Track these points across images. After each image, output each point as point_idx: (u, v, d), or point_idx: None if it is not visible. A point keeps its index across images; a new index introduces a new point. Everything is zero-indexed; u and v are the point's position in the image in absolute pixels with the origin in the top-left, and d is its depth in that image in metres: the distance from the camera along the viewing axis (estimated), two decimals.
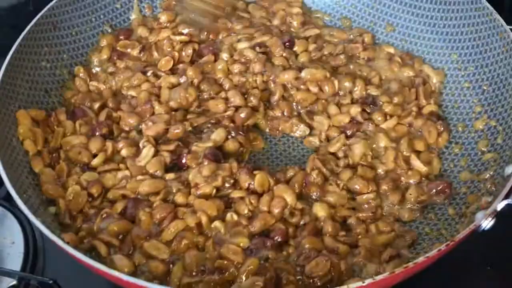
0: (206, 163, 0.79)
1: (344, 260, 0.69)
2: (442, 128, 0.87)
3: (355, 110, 0.88)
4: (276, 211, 0.74)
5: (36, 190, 0.77)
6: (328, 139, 0.87)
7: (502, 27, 0.86)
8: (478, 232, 0.66)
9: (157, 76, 0.94)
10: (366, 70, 0.95)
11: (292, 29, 1.03)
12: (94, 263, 0.61)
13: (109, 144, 0.83)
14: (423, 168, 0.82)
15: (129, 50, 1.00)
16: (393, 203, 0.78)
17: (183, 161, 0.81)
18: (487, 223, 0.65)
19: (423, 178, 0.82)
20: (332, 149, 0.85)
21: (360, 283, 0.58)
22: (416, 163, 0.82)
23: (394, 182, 0.80)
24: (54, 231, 0.66)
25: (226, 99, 0.90)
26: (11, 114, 0.82)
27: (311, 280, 0.67)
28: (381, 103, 0.89)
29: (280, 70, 0.93)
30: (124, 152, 0.82)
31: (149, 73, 0.95)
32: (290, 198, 0.75)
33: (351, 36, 1.03)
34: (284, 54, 0.96)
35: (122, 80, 0.94)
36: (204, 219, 0.72)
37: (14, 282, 0.75)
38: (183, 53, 0.97)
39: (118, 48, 1.00)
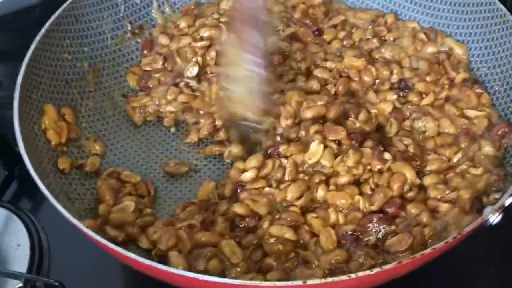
0: (351, 151, 0.78)
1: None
2: (481, 90, 0.89)
3: (391, 97, 0.90)
4: (395, 186, 0.76)
5: (56, 176, 0.79)
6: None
7: None
8: (485, 226, 0.67)
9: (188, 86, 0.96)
10: (396, 52, 0.96)
11: (316, 21, 1.04)
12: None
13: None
14: (483, 113, 0.84)
15: (154, 65, 1.01)
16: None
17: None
18: (494, 218, 0.67)
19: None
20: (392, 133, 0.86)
21: (368, 272, 0.59)
22: (473, 112, 0.85)
23: (468, 135, 0.83)
24: (76, 217, 0.68)
25: None
26: (33, 103, 0.85)
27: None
28: (413, 84, 0.91)
29: (321, 58, 0.95)
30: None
31: (181, 84, 0.97)
32: (409, 174, 0.78)
33: (374, 15, 1.04)
34: (317, 42, 0.98)
35: (158, 98, 0.96)
36: (333, 218, 0.74)
37: (20, 284, 0.76)
38: (207, 57, 0.98)
39: (145, 68, 1.01)
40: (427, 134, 0.85)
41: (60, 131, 0.86)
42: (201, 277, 0.59)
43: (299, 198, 0.76)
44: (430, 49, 0.96)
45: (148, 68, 1.00)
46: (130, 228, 0.75)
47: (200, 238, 0.73)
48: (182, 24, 1.04)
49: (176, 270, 0.61)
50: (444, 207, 0.74)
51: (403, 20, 1.03)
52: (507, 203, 0.67)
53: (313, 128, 0.81)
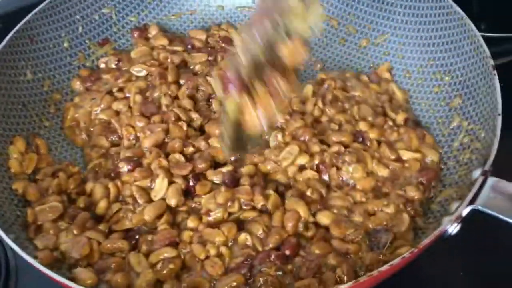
0: (223, 189, 0.78)
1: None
2: (424, 132, 0.89)
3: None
4: (289, 225, 0.75)
5: (12, 205, 0.78)
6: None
7: (472, 31, 0.87)
8: (444, 237, 0.67)
9: None
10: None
11: None
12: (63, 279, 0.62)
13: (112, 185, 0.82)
14: (417, 155, 0.84)
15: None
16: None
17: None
18: (453, 228, 0.66)
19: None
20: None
21: None
22: (407, 154, 0.85)
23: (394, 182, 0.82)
24: (27, 248, 0.67)
25: None
26: None
27: None
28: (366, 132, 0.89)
29: None
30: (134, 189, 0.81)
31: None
32: (302, 210, 0.76)
33: None
34: None
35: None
36: (212, 252, 0.73)
37: None
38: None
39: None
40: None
41: (27, 161, 0.84)
42: None
43: (159, 217, 0.77)
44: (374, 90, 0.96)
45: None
46: None
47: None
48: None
49: None
50: (351, 247, 0.73)
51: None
52: (464, 213, 0.66)
53: (155, 162, 0.82)
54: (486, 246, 0.79)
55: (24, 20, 0.95)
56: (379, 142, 0.87)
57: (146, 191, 0.80)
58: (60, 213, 0.77)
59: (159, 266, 0.71)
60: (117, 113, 0.93)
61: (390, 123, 0.90)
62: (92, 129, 0.93)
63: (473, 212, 0.66)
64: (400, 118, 0.91)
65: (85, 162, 0.90)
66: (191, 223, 0.77)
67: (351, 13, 1.05)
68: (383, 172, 0.83)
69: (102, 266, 0.72)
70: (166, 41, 1.04)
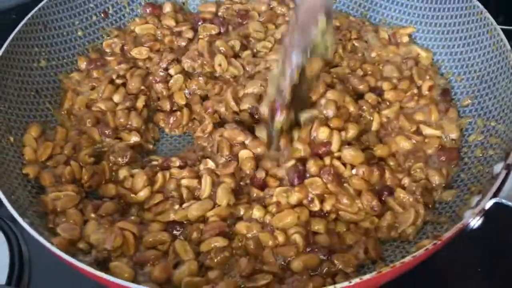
0: (296, 190, 0.76)
1: None
2: (450, 105, 0.88)
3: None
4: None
5: (25, 191, 0.77)
6: None
7: (492, 25, 0.86)
8: (467, 231, 0.66)
9: None
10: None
11: None
12: (81, 264, 0.60)
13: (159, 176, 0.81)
14: (436, 132, 0.84)
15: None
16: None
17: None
18: (475, 222, 0.65)
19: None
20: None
21: (346, 283, 0.58)
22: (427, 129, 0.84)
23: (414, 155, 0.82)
24: (43, 233, 0.66)
25: None
26: (0, 115, 0.82)
27: None
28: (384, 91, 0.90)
29: None
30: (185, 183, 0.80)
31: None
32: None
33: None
34: None
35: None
36: (281, 239, 0.72)
37: None
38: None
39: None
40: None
41: (42, 149, 0.83)
42: None
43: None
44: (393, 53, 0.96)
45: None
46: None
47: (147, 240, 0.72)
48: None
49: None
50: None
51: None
52: (487, 206, 0.65)
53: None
54: (509, 239, 0.78)
55: (38, 6, 0.94)
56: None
57: (191, 190, 0.79)
58: (77, 202, 0.76)
59: (211, 254, 0.70)
60: (116, 105, 0.91)
61: (415, 90, 0.89)
62: (85, 116, 0.90)
63: (496, 205, 0.65)
64: (425, 86, 0.90)
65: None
66: (257, 212, 0.75)
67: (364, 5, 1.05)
68: (404, 144, 0.83)
69: (141, 260, 0.70)
70: (173, 22, 1.02)
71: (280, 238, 0.72)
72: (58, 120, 0.91)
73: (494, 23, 0.86)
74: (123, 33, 1.03)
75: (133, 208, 0.79)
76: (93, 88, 0.94)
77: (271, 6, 1.05)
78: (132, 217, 0.76)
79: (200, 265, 0.70)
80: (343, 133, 0.81)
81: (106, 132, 0.87)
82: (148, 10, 1.05)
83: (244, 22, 1.03)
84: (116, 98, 0.92)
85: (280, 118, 0.78)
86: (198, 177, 0.80)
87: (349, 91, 0.89)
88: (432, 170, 0.80)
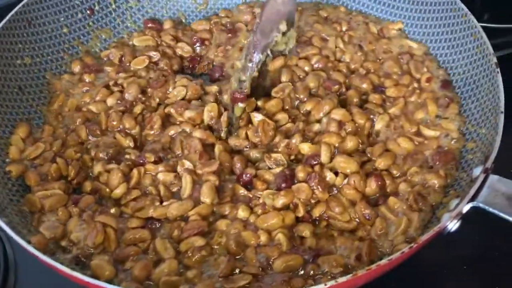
0: (282, 194, 0.76)
1: None
2: (451, 98, 0.87)
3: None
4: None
5: (5, 190, 0.76)
6: None
7: (476, 28, 0.86)
8: (444, 234, 0.66)
9: None
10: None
11: None
12: (57, 264, 0.60)
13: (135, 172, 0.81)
14: (435, 133, 0.83)
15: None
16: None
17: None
18: (452, 225, 0.66)
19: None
20: None
21: (322, 285, 0.58)
22: (427, 131, 0.83)
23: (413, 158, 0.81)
24: (20, 232, 0.66)
25: None
26: None
27: None
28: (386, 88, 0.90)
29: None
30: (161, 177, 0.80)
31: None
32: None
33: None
34: None
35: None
36: (263, 239, 0.72)
37: None
38: None
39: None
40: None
41: (31, 149, 0.83)
42: None
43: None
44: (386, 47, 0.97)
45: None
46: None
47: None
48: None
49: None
50: None
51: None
52: (464, 210, 0.65)
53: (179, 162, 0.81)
54: (485, 243, 0.79)
55: (22, 2, 0.93)
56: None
57: (168, 185, 0.79)
58: (66, 201, 0.76)
59: (189, 253, 0.70)
60: (109, 108, 0.90)
61: (415, 84, 0.90)
62: (74, 116, 0.89)
63: (473, 209, 0.66)
64: (423, 78, 0.90)
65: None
66: (242, 212, 0.75)
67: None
68: (406, 145, 0.82)
69: (121, 256, 0.70)
70: (172, 40, 1.03)
71: (263, 238, 0.72)
72: (45, 119, 0.90)
73: (478, 26, 0.86)
74: (121, 44, 1.03)
75: (109, 202, 0.78)
76: (86, 91, 0.93)
77: (255, 13, 1.05)
78: (112, 211, 0.75)
79: (179, 263, 0.70)
80: (343, 144, 0.81)
81: (95, 130, 0.86)
82: (148, 25, 1.05)
83: (232, 36, 1.03)
84: (110, 101, 0.91)
85: (239, 105, 0.85)
86: (174, 171, 0.80)
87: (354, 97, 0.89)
88: (429, 174, 0.78)
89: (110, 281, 0.66)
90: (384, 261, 0.60)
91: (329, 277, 0.67)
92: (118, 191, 0.78)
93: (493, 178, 0.67)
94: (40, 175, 0.79)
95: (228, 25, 1.05)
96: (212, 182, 0.78)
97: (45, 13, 0.97)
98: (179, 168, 0.81)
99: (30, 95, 0.91)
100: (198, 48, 1.03)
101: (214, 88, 0.93)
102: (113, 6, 1.05)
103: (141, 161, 0.82)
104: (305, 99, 0.88)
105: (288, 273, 0.68)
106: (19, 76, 0.91)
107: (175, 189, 0.79)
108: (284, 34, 0.87)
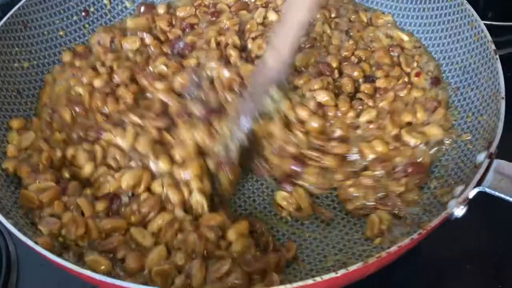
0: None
1: None
2: (435, 103, 0.86)
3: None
4: None
5: (8, 192, 0.76)
6: None
7: (472, 16, 0.87)
8: (451, 220, 0.66)
9: None
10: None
11: None
12: (67, 263, 0.60)
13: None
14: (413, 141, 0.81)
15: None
16: None
17: None
18: (459, 211, 0.66)
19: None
20: None
21: (333, 274, 0.58)
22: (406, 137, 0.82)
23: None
24: (27, 233, 0.65)
25: None
26: None
27: None
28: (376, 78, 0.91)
29: None
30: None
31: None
32: None
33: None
34: None
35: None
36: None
37: None
38: None
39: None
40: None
41: (23, 140, 0.82)
42: None
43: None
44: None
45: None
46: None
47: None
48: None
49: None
50: None
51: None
52: (470, 195, 0.66)
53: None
54: (493, 227, 0.79)
55: (18, 5, 0.93)
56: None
57: (124, 152, 0.80)
58: (57, 192, 0.75)
59: (163, 232, 0.70)
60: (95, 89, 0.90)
61: (406, 78, 0.90)
62: (59, 98, 0.89)
63: (479, 194, 0.66)
64: (413, 73, 0.90)
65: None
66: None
67: None
68: (379, 149, 0.81)
69: (109, 248, 0.70)
70: (167, 25, 1.02)
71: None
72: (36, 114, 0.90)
73: (475, 14, 0.87)
74: (109, 28, 1.01)
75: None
76: (73, 76, 0.92)
77: None
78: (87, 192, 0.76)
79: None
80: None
81: (77, 110, 0.86)
82: (142, 9, 1.04)
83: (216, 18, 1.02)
84: (97, 83, 0.90)
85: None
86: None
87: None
88: (392, 181, 0.78)
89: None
90: (393, 248, 0.60)
91: None
92: (86, 170, 0.78)
93: (497, 162, 0.68)
94: (31, 166, 0.78)
95: (210, 6, 1.05)
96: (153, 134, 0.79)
97: (41, 15, 0.96)
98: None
99: (28, 98, 0.91)
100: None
101: (192, 61, 0.93)
102: (108, 7, 1.05)
103: (100, 134, 0.82)
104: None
105: None
106: (17, 80, 0.90)
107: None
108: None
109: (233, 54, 0.93)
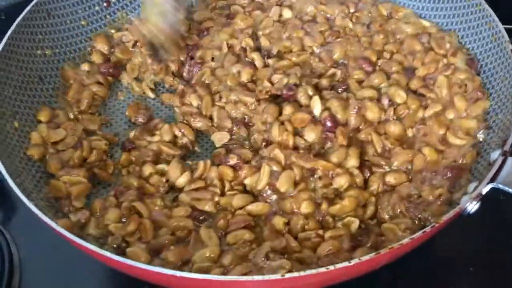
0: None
1: None
2: (480, 94, 0.84)
3: None
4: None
5: (29, 175, 0.78)
6: None
7: (490, 17, 0.87)
8: (464, 215, 0.67)
9: None
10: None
11: None
12: (86, 244, 0.62)
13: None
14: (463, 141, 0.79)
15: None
16: None
17: None
18: (472, 207, 0.67)
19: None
20: None
21: (346, 263, 0.59)
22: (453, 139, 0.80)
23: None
24: (47, 214, 0.67)
25: None
26: (5, 100, 0.83)
27: None
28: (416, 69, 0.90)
29: None
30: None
31: None
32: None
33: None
34: None
35: None
36: None
37: None
38: None
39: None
40: None
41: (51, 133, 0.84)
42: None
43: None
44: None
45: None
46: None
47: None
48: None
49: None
50: None
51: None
52: (484, 191, 0.66)
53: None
54: (506, 223, 0.80)
55: None
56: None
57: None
58: (90, 189, 0.78)
59: (237, 246, 0.70)
60: None
61: (444, 60, 0.89)
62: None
63: (493, 190, 0.67)
64: (449, 52, 0.89)
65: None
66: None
67: None
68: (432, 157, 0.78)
69: (156, 246, 0.70)
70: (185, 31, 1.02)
71: None
72: (60, 105, 0.91)
73: (493, 14, 0.87)
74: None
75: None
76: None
77: None
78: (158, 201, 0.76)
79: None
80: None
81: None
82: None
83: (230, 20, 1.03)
84: None
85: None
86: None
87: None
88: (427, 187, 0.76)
89: None
90: (406, 240, 0.61)
91: None
92: (182, 181, 0.79)
93: (511, 160, 0.69)
94: (62, 162, 0.80)
95: (225, 8, 1.06)
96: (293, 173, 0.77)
97: (64, 4, 0.98)
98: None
99: (50, 84, 0.92)
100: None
101: None
102: None
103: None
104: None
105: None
106: (39, 66, 0.92)
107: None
108: None
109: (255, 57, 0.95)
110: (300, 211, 0.74)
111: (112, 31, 1.03)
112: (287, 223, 0.73)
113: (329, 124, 0.82)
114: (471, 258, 0.79)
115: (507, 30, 0.84)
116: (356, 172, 0.77)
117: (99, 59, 0.99)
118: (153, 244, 0.71)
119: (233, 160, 0.81)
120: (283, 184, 0.75)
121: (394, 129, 0.82)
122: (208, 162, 0.81)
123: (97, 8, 1.03)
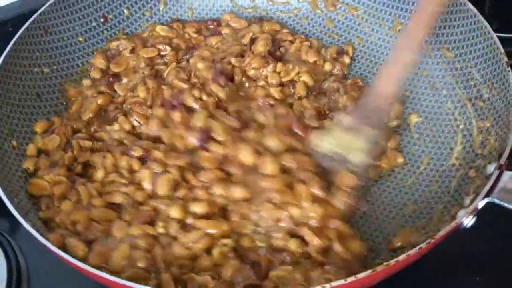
0: None
1: None
2: None
3: None
4: None
5: (27, 195, 0.78)
6: None
7: (485, 28, 0.87)
8: (460, 230, 0.67)
9: None
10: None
11: None
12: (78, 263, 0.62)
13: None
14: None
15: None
16: None
17: None
18: (468, 221, 0.67)
19: None
20: None
21: (342, 281, 0.59)
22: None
23: None
24: (43, 235, 0.67)
25: None
26: (2, 118, 0.83)
27: None
28: None
29: None
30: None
31: None
32: None
33: None
34: None
35: None
36: None
37: None
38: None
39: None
40: None
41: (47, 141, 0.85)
42: None
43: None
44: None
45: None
46: None
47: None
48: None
49: None
50: None
51: None
52: (480, 205, 0.66)
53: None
54: (501, 238, 0.80)
55: (39, 11, 0.95)
56: None
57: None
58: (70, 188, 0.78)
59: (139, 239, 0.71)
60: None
61: None
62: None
63: (489, 205, 0.67)
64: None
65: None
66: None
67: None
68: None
69: (89, 237, 0.72)
70: (194, 32, 1.04)
71: None
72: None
73: (488, 26, 0.87)
74: (132, 37, 1.04)
75: None
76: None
77: None
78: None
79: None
80: None
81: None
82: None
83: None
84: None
85: None
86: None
87: None
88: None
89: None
90: (402, 256, 0.61)
91: None
92: (99, 175, 0.81)
93: (507, 174, 0.69)
94: (51, 163, 0.82)
95: None
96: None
97: (61, 21, 0.99)
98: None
99: (47, 101, 0.93)
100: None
101: None
102: (126, 13, 1.07)
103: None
104: None
105: None
106: (37, 84, 0.92)
107: None
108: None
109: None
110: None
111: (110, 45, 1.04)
112: None
113: None
114: (467, 268, 0.79)
115: (501, 39, 0.85)
116: None
117: (98, 75, 0.99)
118: (86, 235, 0.72)
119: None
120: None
121: None
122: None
123: (94, 24, 1.03)
